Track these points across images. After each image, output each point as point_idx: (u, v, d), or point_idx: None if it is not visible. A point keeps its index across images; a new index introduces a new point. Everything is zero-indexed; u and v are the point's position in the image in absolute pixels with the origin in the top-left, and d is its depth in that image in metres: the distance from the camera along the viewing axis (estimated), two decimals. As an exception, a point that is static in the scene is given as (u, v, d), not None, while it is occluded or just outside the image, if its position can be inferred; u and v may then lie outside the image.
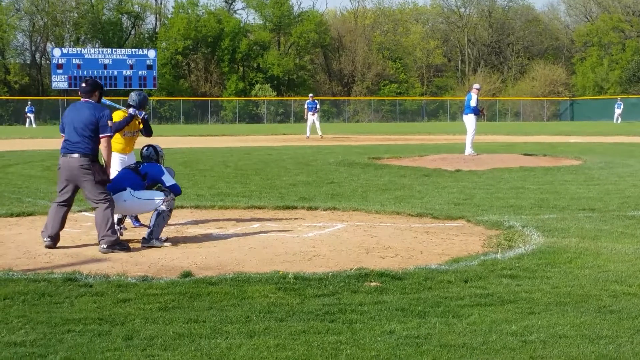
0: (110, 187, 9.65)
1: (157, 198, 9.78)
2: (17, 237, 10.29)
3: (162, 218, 9.69)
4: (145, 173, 9.99)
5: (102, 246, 9.30)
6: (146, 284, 7.45)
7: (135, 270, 8.22)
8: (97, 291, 7.18)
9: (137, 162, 10.36)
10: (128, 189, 9.82)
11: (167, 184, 9.97)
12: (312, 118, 40.87)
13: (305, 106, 41.88)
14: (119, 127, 10.56)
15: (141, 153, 10.41)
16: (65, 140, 9.56)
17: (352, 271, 7.97)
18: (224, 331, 5.96)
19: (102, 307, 6.65)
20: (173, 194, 9.92)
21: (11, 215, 12.40)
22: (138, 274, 8.00)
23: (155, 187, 10.07)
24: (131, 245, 9.63)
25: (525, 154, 24.80)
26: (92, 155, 9.45)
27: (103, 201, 9.43)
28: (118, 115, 10.87)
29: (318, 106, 41.83)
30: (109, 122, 9.54)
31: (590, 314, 6.49)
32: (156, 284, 7.48)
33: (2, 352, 5.51)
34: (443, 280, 7.65)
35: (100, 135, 9.49)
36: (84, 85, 9.79)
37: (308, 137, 39.90)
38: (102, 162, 9.62)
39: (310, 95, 44.21)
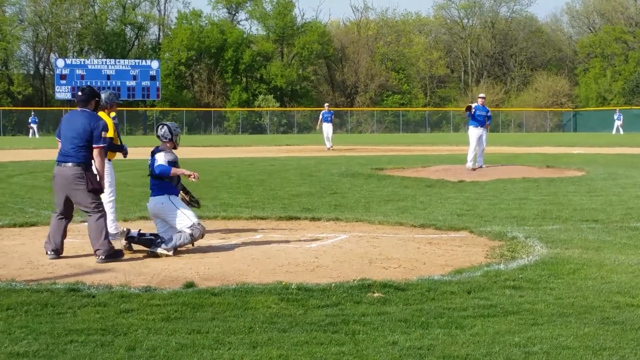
0: (160, 189, 9.98)
1: (188, 220, 9.90)
2: (20, 248, 10.30)
3: (184, 238, 9.76)
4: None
5: (100, 257, 9.30)
6: (149, 295, 7.45)
7: (138, 281, 8.22)
8: (99, 301, 7.18)
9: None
10: (166, 195, 10.01)
11: (156, 171, 10.00)
12: (327, 128, 40.12)
13: (320, 117, 41.25)
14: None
15: (156, 131, 10.44)
16: (60, 150, 9.61)
17: (355, 282, 7.97)
18: (226, 342, 5.95)
19: (105, 318, 6.65)
20: (160, 173, 9.97)
21: (14, 225, 12.43)
22: (141, 284, 8.00)
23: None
24: (134, 254, 9.65)
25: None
26: (85, 164, 9.48)
27: (95, 210, 9.46)
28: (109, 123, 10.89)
29: (333, 116, 41.20)
30: (103, 132, 9.58)
31: (593, 325, 6.48)
32: (159, 294, 7.48)
33: (5, 362, 5.51)
34: (446, 291, 7.65)
35: (94, 146, 9.52)
36: (80, 94, 9.80)
37: (329, 148, 39.37)
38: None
39: (326, 104, 43.48)
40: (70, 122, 9.67)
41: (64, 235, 9.64)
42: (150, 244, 9.78)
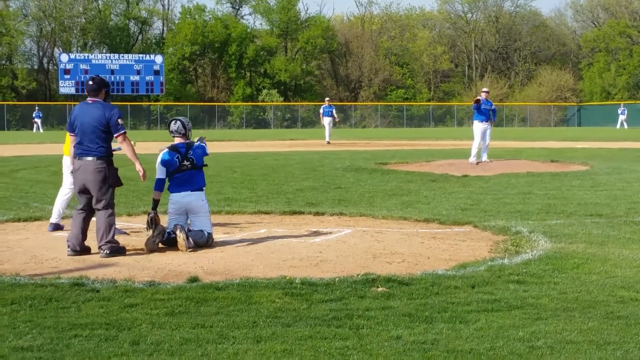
0: (196, 183, 10.06)
1: (210, 227, 10.06)
2: (25, 242, 10.31)
3: (203, 239, 9.78)
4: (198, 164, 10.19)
5: (104, 252, 9.26)
6: (153, 289, 7.46)
7: (142, 275, 8.23)
8: (104, 296, 7.19)
9: (180, 152, 10.15)
10: (204, 190, 10.16)
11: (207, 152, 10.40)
12: (327, 122, 40.03)
13: (321, 111, 41.12)
14: None
15: (169, 126, 10.37)
16: (77, 143, 9.54)
17: (359, 276, 7.96)
18: (230, 336, 5.96)
19: (109, 312, 6.65)
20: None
21: (19, 220, 12.44)
22: (145, 279, 8.01)
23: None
24: (136, 250, 9.66)
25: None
26: (106, 157, 9.46)
27: (109, 206, 9.43)
28: None
29: (334, 111, 41.04)
30: (119, 120, 9.51)
31: (597, 319, 6.47)
32: (163, 289, 7.48)
33: (10, 357, 5.52)
34: (450, 286, 7.64)
35: (115, 135, 9.48)
36: (90, 83, 9.70)
37: (328, 143, 39.33)
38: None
39: (327, 99, 43.49)
40: (84, 115, 9.53)
41: (83, 232, 9.49)
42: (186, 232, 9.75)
